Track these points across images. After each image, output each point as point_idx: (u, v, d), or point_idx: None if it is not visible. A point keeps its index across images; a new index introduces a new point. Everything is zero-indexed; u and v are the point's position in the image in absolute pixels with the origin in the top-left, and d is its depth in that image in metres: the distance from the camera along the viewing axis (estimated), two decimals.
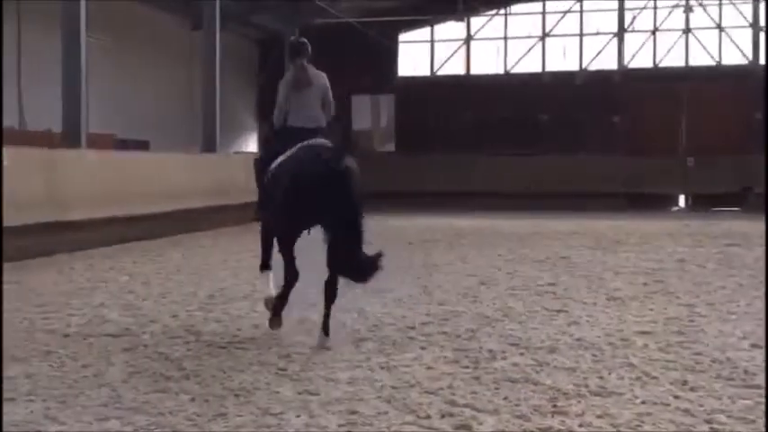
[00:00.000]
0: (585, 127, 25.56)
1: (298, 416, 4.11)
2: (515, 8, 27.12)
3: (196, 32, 20.77)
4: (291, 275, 5.87)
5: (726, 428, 3.98)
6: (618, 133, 25.40)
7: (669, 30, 25.83)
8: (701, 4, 25.23)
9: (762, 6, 24.27)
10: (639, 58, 26.08)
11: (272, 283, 6.28)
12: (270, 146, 6.23)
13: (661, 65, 25.92)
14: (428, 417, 4.12)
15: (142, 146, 18.94)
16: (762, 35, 24.52)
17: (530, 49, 26.82)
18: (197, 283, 8.66)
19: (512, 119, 26.26)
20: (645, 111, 25.03)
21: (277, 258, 6.25)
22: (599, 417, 4.13)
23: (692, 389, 4.61)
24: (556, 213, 19.86)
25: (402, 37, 27.65)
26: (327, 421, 4.03)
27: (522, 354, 5.44)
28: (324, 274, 5.88)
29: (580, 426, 3.99)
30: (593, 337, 5.97)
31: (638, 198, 23.09)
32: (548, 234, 14.71)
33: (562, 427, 3.97)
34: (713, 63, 25.30)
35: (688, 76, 25.18)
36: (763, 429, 3.95)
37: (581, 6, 26.50)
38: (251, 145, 27.70)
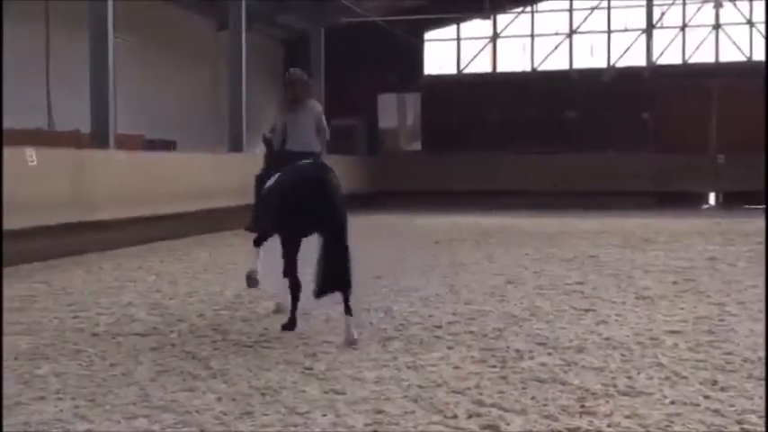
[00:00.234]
0: (613, 124, 25.36)
1: (324, 415, 4.10)
2: (542, 5, 26.95)
3: (222, 33, 20.87)
4: (295, 286, 6.22)
5: (757, 429, 3.92)
6: (646, 130, 25.17)
7: (699, 26, 25.55)
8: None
9: None
10: (668, 54, 25.82)
11: (258, 261, 6.85)
12: (269, 166, 6.79)
13: (690, 61, 25.64)
14: (455, 416, 4.10)
15: (169, 146, 19.05)
16: None
17: (557, 47, 26.65)
18: (223, 282, 8.70)
19: (539, 117, 26.13)
20: (674, 108, 24.77)
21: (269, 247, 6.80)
22: (627, 417, 4.08)
23: (722, 389, 4.55)
24: (583, 212, 19.73)
25: (428, 35, 27.60)
26: (354, 420, 4.02)
27: (549, 353, 5.39)
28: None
29: (608, 426, 3.95)
30: (621, 336, 5.91)
31: (667, 196, 22.88)
32: (575, 233, 14.61)
33: (590, 428, 3.93)
34: (744, 59, 24.99)
35: (718, 72, 24.88)
36: None
37: (608, 3, 26.26)
38: None
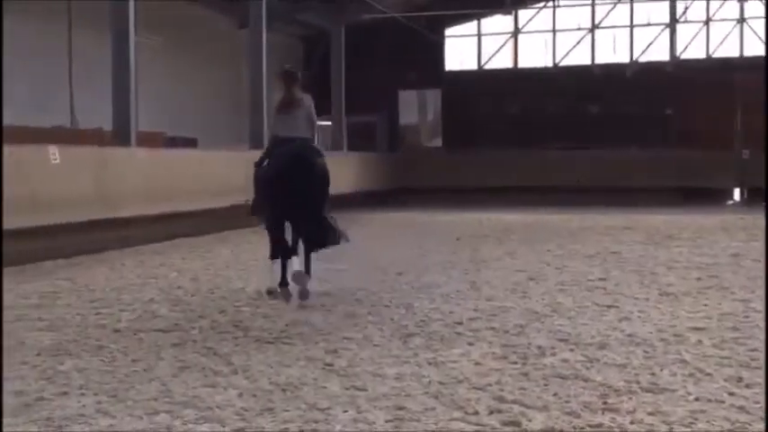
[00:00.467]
0: (637, 120, 25.19)
1: (345, 411, 4.10)
2: (564, 0, 26.80)
3: (243, 31, 20.91)
4: (280, 250, 7.19)
5: None
6: (670, 126, 24.97)
7: (723, 20, 25.30)
8: None
9: None
10: (692, 48, 25.59)
11: (276, 274, 7.41)
12: (265, 152, 7.53)
13: (715, 56, 25.39)
14: (476, 413, 4.07)
15: (190, 143, 19.14)
16: None
17: (579, 42, 26.50)
18: (245, 278, 8.72)
19: (560, 112, 26.00)
20: (698, 102, 24.53)
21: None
22: (651, 414, 4.04)
23: (747, 386, 4.49)
24: (606, 208, 19.59)
25: (449, 31, 27.52)
26: (375, 417, 4.01)
27: (571, 350, 5.35)
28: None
29: (631, 423, 3.91)
30: (644, 332, 5.86)
31: (691, 192, 22.68)
32: (598, 229, 14.51)
33: (613, 425, 3.89)
34: None
35: (743, 66, 24.62)
36: None
37: None
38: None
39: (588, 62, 26.42)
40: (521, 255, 10.76)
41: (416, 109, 28.20)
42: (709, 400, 4.24)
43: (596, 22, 26.45)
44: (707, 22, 25.52)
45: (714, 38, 25.46)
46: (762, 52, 24.58)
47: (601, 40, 26.46)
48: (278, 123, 7.31)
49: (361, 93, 25.27)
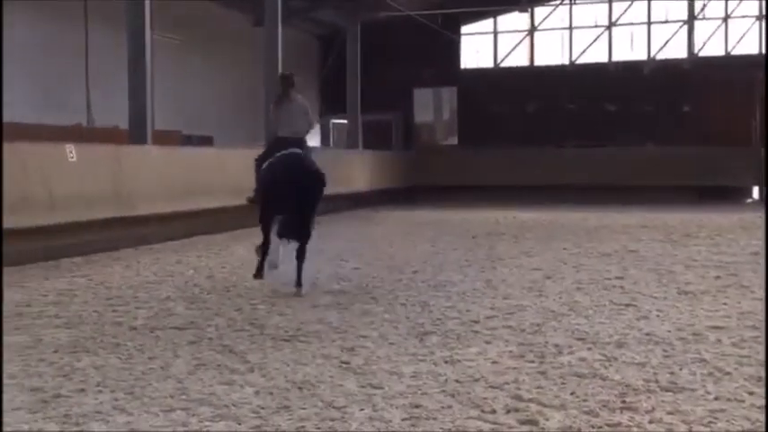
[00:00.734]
0: (654, 117, 25.04)
1: (361, 409, 4.08)
2: None
3: (258, 29, 20.94)
4: (267, 244, 7.92)
5: None
6: (688, 123, 24.80)
7: (742, 17, 25.10)
8: None
9: None
10: (710, 45, 25.40)
11: (280, 253, 7.98)
12: (266, 150, 8.27)
13: (733, 53, 25.19)
14: (493, 411, 4.05)
15: (206, 141, 19.18)
16: None
17: (596, 39, 26.37)
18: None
19: (577, 110, 25.89)
20: (717, 100, 24.35)
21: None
22: (670, 413, 4.00)
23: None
24: (623, 206, 19.50)
25: (464, 29, 27.46)
26: (391, 415, 3.99)
27: (589, 348, 5.31)
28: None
29: (650, 422, 3.87)
30: (663, 331, 5.81)
31: (709, 190, 22.52)
32: (615, 227, 14.44)
33: (631, 424, 3.85)
34: None
35: (762, 63, 24.38)
36: None
37: None
38: (313, 139, 27.84)
39: (605, 60, 26.30)
40: (537, 253, 10.71)
41: (432, 107, 28.16)
42: (729, 400, 4.20)
43: (613, 19, 26.31)
44: (725, 19, 25.33)
45: (733, 35, 25.26)
46: None
47: (618, 37, 26.32)
48: (275, 117, 8.20)
49: (377, 91, 25.27)
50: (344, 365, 4.95)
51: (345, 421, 3.92)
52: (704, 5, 25.32)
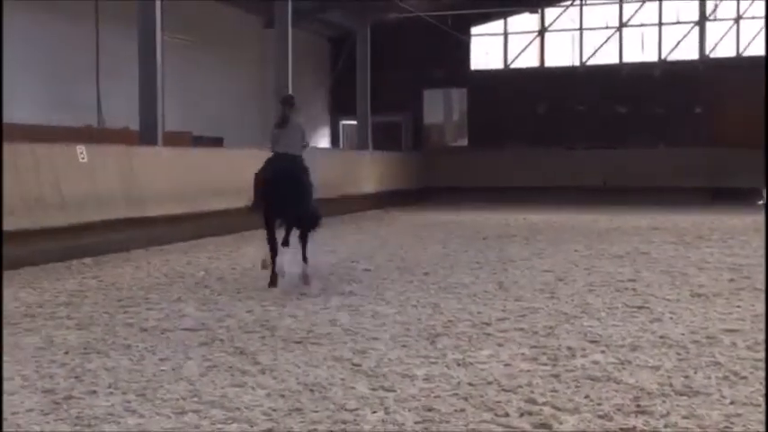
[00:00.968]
0: (665, 119, 24.93)
1: (374, 412, 4.05)
2: None
3: (268, 30, 20.97)
4: (273, 249, 8.22)
5: None
6: (700, 125, 24.68)
7: (753, 18, 24.98)
8: None
9: None
10: (722, 47, 25.28)
11: (285, 261, 8.18)
12: (264, 165, 8.62)
13: (745, 54, 25.07)
14: (506, 415, 4.02)
15: (216, 143, 19.20)
16: None
17: (606, 40, 26.29)
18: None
19: (588, 112, 25.81)
20: (728, 101, 24.23)
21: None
22: (685, 417, 3.96)
23: None
24: (634, 208, 19.42)
25: (474, 30, 27.41)
26: (404, 418, 3.96)
27: (602, 351, 5.28)
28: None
29: (665, 426, 3.83)
30: (676, 334, 5.77)
31: (721, 192, 22.40)
32: (626, 229, 14.38)
33: (646, 428, 3.81)
34: None
35: None
36: None
37: None
38: (323, 140, 27.87)
39: (616, 61, 26.21)
40: (548, 255, 10.67)
41: (442, 108, 28.12)
42: (745, 404, 4.16)
43: (624, 20, 26.21)
44: (737, 20, 25.21)
45: (744, 36, 25.13)
46: None
47: (629, 38, 26.23)
48: (275, 138, 8.62)
49: (387, 92, 25.26)
50: (356, 368, 4.92)
51: (358, 424, 3.90)
52: (716, 6, 25.20)
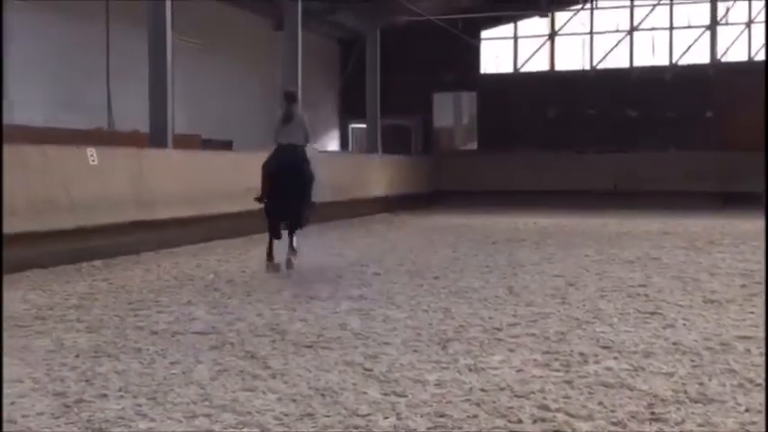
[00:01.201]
0: (676, 123, 24.85)
1: (386, 417, 4.02)
2: (602, 2, 26.55)
3: (278, 33, 20.97)
4: (275, 235, 9.53)
5: None
6: (711, 129, 24.59)
7: (765, 22, 24.84)
8: None
9: None
10: (733, 51, 25.18)
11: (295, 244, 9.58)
12: (270, 156, 9.64)
13: (757, 58, 24.96)
14: (519, 421, 3.98)
15: (226, 146, 19.21)
16: None
17: (617, 44, 26.23)
18: (281, 281, 8.69)
19: (598, 115, 25.75)
20: (740, 105, 24.13)
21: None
22: (700, 425, 3.92)
23: None
24: (646, 213, 19.35)
25: (485, 34, 27.40)
26: (416, 424, 3.93)
27: (615, 357, 5.23)
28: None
29: None
30: (690, 341, 5.72)
31: (733, 197, 22.30)
32: (637, 234, 14.32)
33: None
34: None
35: None
36: None
37: None
38: (332, 143, 27.87)
39: (626, 65, 26.14)
40: (558, 259, 10.63)
41: (452, 112, 28.11)
42: (760, 412, 4.11)
43: (635, 24, 26.15)
44: (749, 24, 25.11)
45: (756, 40, 25.03)
46: None
47: (639, 42, 26.16)
48: (279, 133, 9.43)
49: (397, 95, 25.26)
50: (367, 372, 4.90)
51: (370, 429, 3.87)
52: (727, 10, 25.10)
